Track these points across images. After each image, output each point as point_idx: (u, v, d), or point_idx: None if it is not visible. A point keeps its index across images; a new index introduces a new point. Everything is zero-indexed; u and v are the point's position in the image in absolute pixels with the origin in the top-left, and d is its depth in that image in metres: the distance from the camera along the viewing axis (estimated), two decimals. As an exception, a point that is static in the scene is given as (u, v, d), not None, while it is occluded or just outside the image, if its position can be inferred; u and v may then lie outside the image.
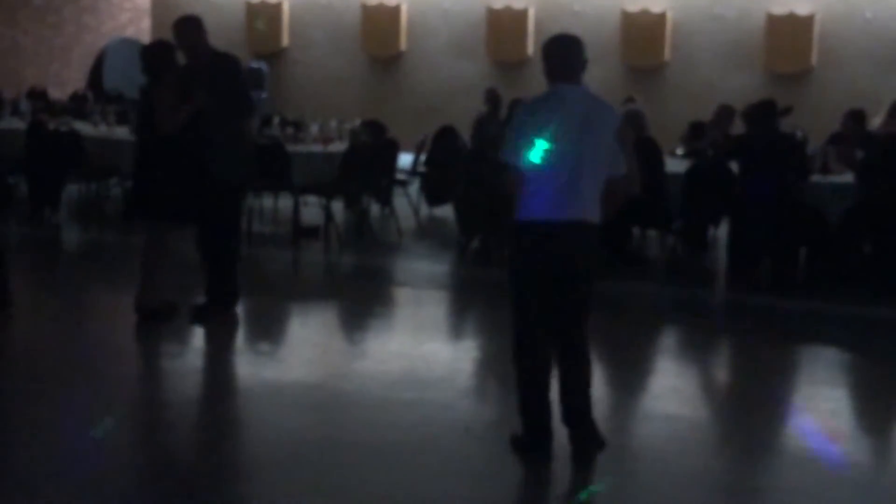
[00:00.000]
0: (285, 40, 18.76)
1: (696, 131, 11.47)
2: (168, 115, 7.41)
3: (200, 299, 7.83)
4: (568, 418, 5.41)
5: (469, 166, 10.85)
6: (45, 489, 4.89)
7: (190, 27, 7.69)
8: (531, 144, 5.21)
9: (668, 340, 8.30)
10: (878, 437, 6.21)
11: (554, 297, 5.36)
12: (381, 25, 18.14)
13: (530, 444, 5.47)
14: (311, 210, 11.25)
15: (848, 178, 9.66)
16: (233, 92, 7.65)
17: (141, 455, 5.35)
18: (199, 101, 7.42)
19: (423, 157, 12.73)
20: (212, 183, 7.54)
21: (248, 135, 7.90)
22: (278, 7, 18.68)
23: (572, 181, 5.22)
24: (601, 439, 5.39)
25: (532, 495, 5.33)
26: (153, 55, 7.70)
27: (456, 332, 8.37)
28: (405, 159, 12.52)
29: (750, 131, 9.39)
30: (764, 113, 9.26)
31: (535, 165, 5.21)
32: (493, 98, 12.43)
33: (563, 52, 5.39)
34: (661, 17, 16.67)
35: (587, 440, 5.38)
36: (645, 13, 16.69)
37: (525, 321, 5.38)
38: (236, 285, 7.89)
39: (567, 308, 5.40)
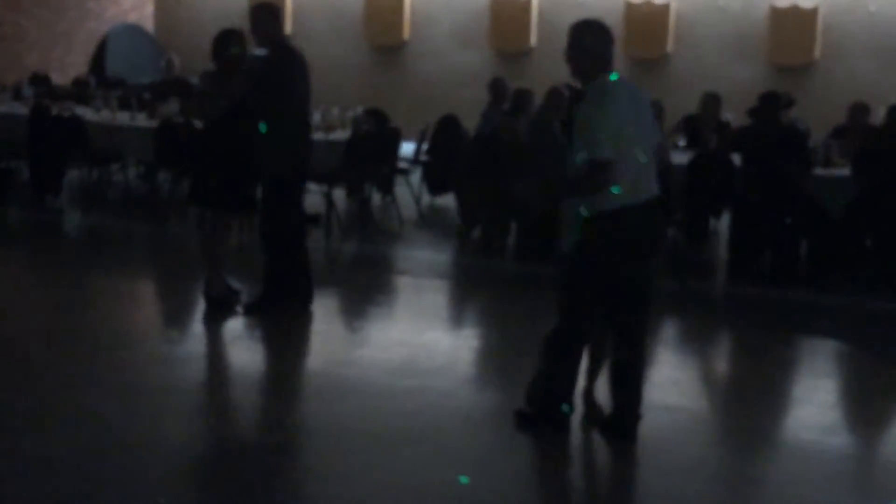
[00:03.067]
0: (288, 28, 18.70)
1: (689, 124, 11.48)
2: (202, 103, 7.45)
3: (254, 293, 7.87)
4: (625, 402, 5.61)
5: (472, 155, 10.85)
6: (51, 475, 4.91)
7: (261, 16, 7.56)
8: (620, 135, 5.25)
9: (669, 332, 8.30)
10: (877, 429, 6.22)
11: (631, 280, 5.45)
12: (384, 14, 18.10)
13: (556, 421, 5.62)
14: (313, 197, 11.23)
15: (848, 171, 9.66)
16: (290, 89, 7.53)
17: (141, 441, 5.35)
18: (233, 95, 7.37)
19: (425, 146, 12.72)
20: (261, 176, 7.57)
21: (304, 130, 7.75)
22: (281, -6, 18.66)
23: (646, 162, 5.37)
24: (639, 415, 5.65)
25: (531, 483, 5.34)
26: (216, 42, 7.62)
27: (456, 321, 8.38)
28: (407, 148, 12.52)
29: (753, 123, 9.38)
30: (768, 105, 9.25)
31: (617, 153, 5.24)
32: (497, 88, 12.40)
33: (609, 42, 5.43)
34: (665, 8, 16.63)
35: (633, 416, 5.61)
36: (648, 4, 16.66)
37: (589, 308, 5.46)
38: (293, 279, 7.79)
39: (638, 292, 5.51)
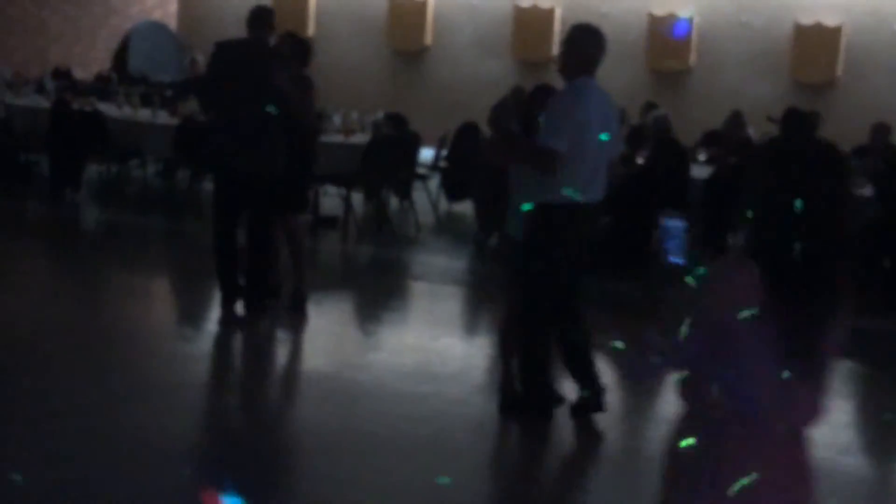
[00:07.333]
0: (311, 29, 18.76)
1: (710, 140, 11.46)
2: None
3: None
4: (585, 373, 5.84)
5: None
6: (59, 466, 4.91)
7: (250, 18, 7.63)
8: (581, 133, 5.49)
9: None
10: (890, 451, 6.18)
11: (573, 270, 5.72)
12: (406, 19, 18.13)
13: (544, 408, 5.79)
14: (331, 200, 11.26)
15: (869, 191, 9.63)
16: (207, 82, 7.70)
17: (151, 438, 5.35)
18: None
19: (444, 153, 12.73)
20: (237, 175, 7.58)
21: (230, 123, 7.56)
22: (305, -3, 18.68)
23: (598, 166, 5.64)
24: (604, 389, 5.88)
25: (543, 490, 5.33)
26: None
27: (471, 327, 8.37)
28: (426, 153, 12.52)
29: (778, 139, 9.34)
30: (795, 123, 9.21)
31: (574, 150, 5.49)
32: (518, 97, 12.38)
33: (600, 47, 5.70)
34: (689, 23, 16.61)
35: (599, 392, 5.83)
36: (671, 18, 16.65)
37: (548, 294, 5.65)
38: (260, 281, 7.70)
39: (578, 280, 5.83)
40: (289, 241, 7.82)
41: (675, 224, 2.56)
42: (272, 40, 7.72)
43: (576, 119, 5.50)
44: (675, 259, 2.57)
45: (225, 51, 7.64)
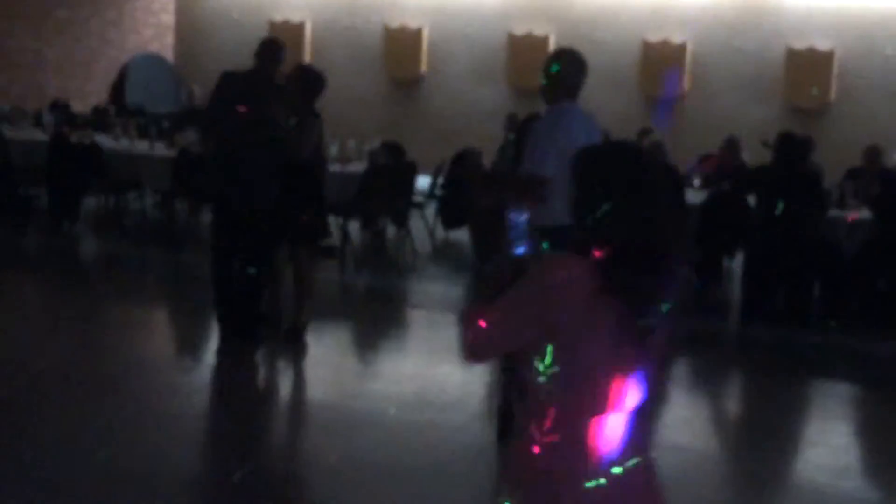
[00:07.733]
0: (307, 59, 18.85)
1: (704, 164, 11.54)
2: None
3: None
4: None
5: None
6: (58, 500, 4.93)
7: (257, 50, 7.73)
8: (566, 156, 5.42)
9: (680, 371, 8.30)
10: (889, 473, 6.21)
11: None
12: (402, 48, 18.23)
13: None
14: (328, 229, 11.29)
15: (864, 213, 9.70)
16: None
17: (151, 470, 5.37)
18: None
19: (440, 181, 12.79)
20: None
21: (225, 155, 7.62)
22: (300, 27, 18.80)
23: None
24: None
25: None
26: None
27: (469, 355, 8.38)
28: (422, 182, 12.58)
29: (771, 164, 9.41)
30: (788, 148, 9.27)
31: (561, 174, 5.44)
32: (514, 124, 12.46)
33: (583, 71, 5.80)
34: (681, 49, 16.71)
35: None
36: (665, 44, 16.74)
37: None
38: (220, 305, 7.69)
39: None
40: (295, 272, 7.83)
41: (517, 217, 2.77)
42: (280, 73, 7.78)
43: (560, 142, 5.54)
44: (519, 248, 2.77)
45: (228, 81, 7.70)
